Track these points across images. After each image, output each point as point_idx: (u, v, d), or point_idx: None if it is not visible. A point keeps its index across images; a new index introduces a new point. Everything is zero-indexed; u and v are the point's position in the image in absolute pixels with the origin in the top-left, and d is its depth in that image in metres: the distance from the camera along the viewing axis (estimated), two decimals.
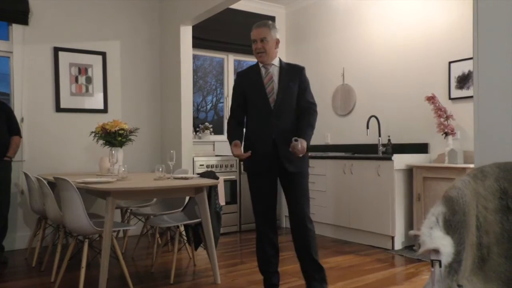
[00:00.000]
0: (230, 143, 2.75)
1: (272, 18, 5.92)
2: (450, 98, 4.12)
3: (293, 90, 2.74)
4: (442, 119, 4.01)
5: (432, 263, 1.28)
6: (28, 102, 4.35)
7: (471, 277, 1.32)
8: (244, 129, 2.87)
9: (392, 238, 4.07)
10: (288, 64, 2.85)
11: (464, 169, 3.63)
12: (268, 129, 2.70)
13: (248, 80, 2.80)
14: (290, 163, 2.69)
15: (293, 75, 2.77)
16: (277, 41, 2.78)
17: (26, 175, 3.81)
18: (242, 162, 2.97)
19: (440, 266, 1.26)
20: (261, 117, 2.75)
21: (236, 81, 2.89)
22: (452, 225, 1.35)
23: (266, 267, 2.80)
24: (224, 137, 5.67)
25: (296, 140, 2.53)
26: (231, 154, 2.72)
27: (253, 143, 2.74)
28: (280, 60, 2.84)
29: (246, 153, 2.69)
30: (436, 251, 1.29)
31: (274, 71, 2.77)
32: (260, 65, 2.79)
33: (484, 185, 1.43)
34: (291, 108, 2.74)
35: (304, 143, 2.59)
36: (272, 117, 2.70)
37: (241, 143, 2.76)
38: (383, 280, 3.22)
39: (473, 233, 1.37)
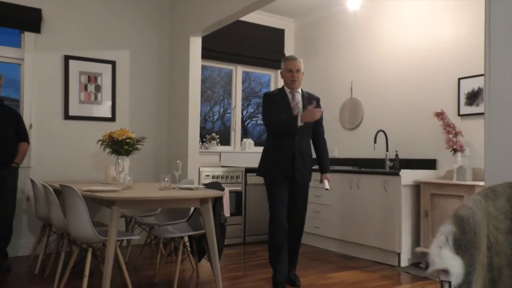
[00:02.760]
0: (291, 120, 3.24)
1: (282, 31, 5.96)
2: (459, 115, 4.09)
3: None
4: (451, 136, 3.97)
5: (441, 284, 1.25)
6: (37, 109, 4.38)
7: None
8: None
9: (399, 254, 4.01)
10: (307, 93, 3.48)
11: (472, 186, 3.59)
12: (290, 146, 3.27)
13: (280, 100, 3.36)
14: (300, 176, 3.30)
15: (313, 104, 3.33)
16: (303, 73, 3.42)
17: (32, 181, 3.82)
18: (260, 171, 3.49)
19: (450, 287, 1.23)
20: (286, 135, 3.29)
21: (266, 99, 3.41)
22: (462, 245, 1.32)
23: (276, 259, 3.26)
24: (230, 148, 5.67)
25: (327, 189, 3.46)
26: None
27: (274, 155, 3.32)
28: (301, 89, 3.45)
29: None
30: (446, 272, 1.26)
31: (299, 97, 3.39)
32: (287, 90, 3.39)
33: (495, 205, 1.40)
34: (309, 131, 3.38)
35: (329, 175, 3.48)
36: (295, 136, 3.26)
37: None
38: None
39: (484, 254, 1.34)
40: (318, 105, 3.39)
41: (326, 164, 3.47)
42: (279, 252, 3.24)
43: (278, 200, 3.26)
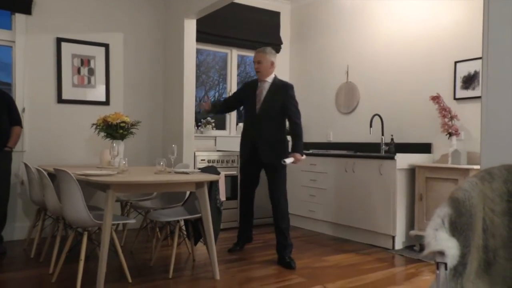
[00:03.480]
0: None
1: (277, 14, 5.88)
2: (455, 98, 4.08)
3: (275, 103, 3.61)
4: (446, 119, 3.97)
5: (437, 265, 1.26)
6: (30, 93, 4.32)
7: (476, 281, 1.30)
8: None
9: (393, 237, 4.04)
10: (280, 81, 3.70)
11: (467, 170, 3.60)
12: (252, 129, 3.68)
13: (248, 89, 3.78)
14: (265, 156, 3.62)
15: (278, 92, 3.63)
16: (272, 63, 3.66)
17: (26, 165, 3.79)
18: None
19: (446, 268, 1.24)
20: (249, 119, 3.74)
21: (242, 86, 4.01)
22: (458, 227, 1.32)
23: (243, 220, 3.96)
24: (226, 132, 5.65)
25: (284, 162, 3.54)
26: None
27: (243, 140, 3.81)
28: (275, 78, 3.70)
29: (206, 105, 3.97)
30: (441, 253, 1.27)
31: (266, 86, 3.67)
32: (259, 80, 3.71)
33: (491, 187, 1.40)
34: (272, 117, 3.61)
35: (298, 155, 3.58)
36: (256, 120, 3.64)
37: (214, 108, 4.02)
38: (383, 279, 3.20)
39: (479, 235, 1.34)
40: (287, 92, 3.61)
41: (295, 145, 3.63)
42: (241, 215, 3.98)
43: (243, 174, 3.89)
